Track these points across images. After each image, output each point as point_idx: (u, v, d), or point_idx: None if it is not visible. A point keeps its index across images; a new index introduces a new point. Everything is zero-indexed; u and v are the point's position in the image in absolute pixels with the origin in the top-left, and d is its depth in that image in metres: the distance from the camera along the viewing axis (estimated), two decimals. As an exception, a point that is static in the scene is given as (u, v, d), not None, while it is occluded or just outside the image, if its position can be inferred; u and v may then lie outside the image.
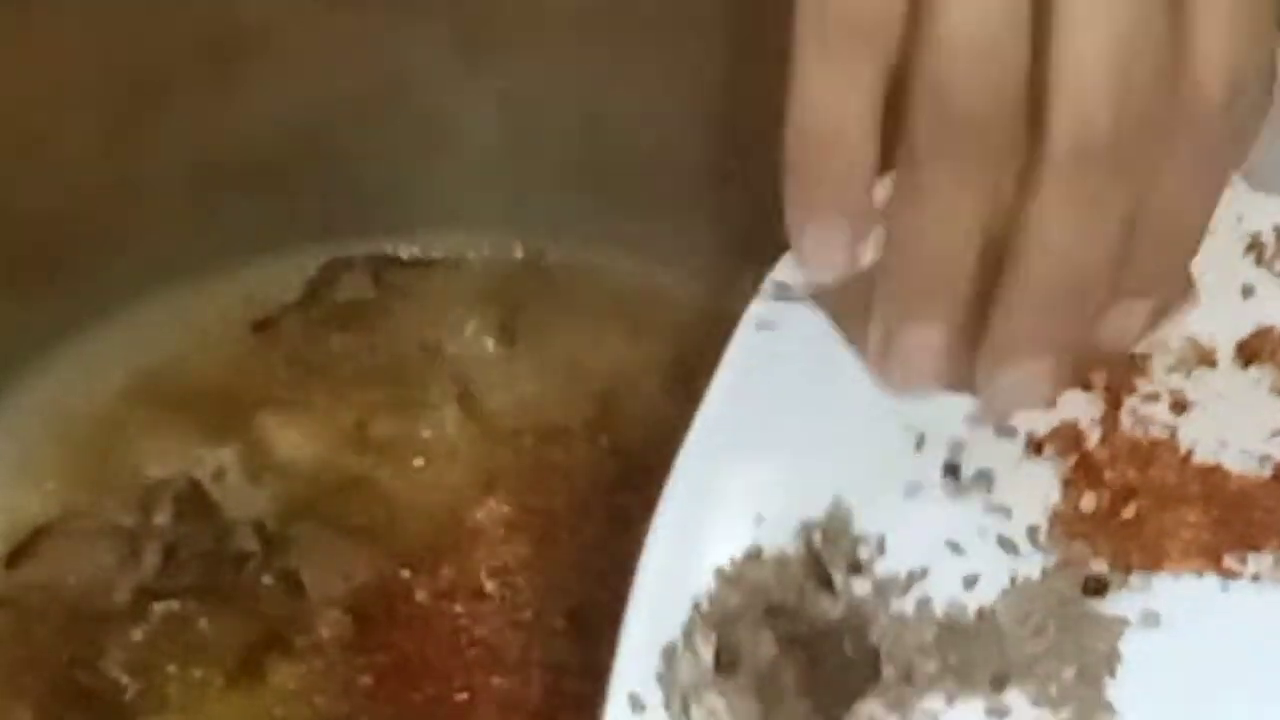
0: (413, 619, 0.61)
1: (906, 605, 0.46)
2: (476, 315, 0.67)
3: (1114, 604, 0.46)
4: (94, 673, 0.60)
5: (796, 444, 0.48)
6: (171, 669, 0.60)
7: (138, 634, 0.61)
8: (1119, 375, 0.50)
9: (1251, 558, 0.47)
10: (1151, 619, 0.46)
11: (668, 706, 0.45)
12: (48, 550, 0.62)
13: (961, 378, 0.47)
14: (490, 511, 0.64)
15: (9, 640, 0.60)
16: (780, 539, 0.46)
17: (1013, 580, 0.46)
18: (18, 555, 0.62)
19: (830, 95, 0.44)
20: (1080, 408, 0.49)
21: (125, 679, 0.60)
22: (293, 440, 0.64)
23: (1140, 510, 0.48)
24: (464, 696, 0.60)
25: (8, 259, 0.61)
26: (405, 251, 0.68)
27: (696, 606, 0.46)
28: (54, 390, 0.65)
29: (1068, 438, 0.49)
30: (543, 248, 0.68)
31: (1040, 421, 0.49)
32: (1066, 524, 0.47)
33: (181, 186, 0.63)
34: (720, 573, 0.46)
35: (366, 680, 0.60)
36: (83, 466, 0.64)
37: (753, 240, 0.64)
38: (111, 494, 0.63)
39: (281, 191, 0.65)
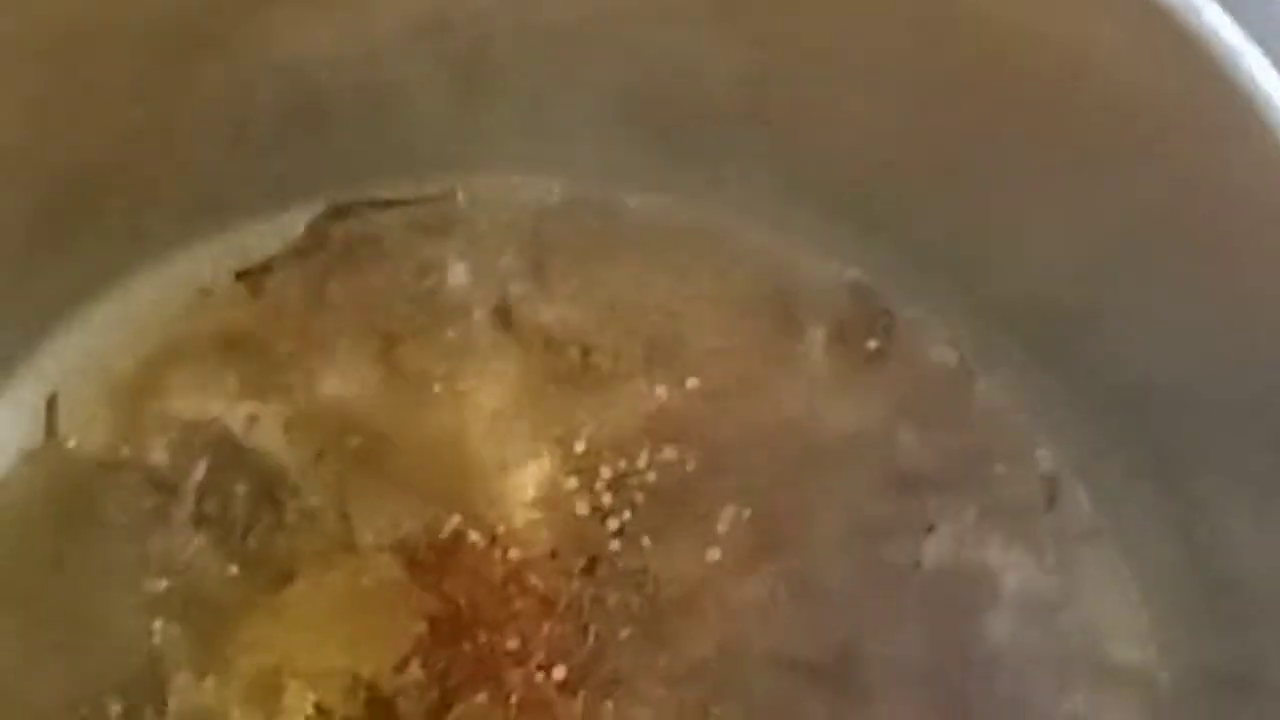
0: (463, 566, 0.62)
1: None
2: (514, 253, 0.65)
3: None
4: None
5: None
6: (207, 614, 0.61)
7: (171, 579, 0.61)
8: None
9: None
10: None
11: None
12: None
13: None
14: (539, 453, 0.63)
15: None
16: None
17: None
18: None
19: None
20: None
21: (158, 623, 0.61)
22: (332, 385, 0.64)
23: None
24: (515, 644, 0.61)
25: (47, 208, 0.60)
26: (444, 192, 0.66)
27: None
28: (93, 339, 0.64)
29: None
30: (584, 188, 0.66)
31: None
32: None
33: (219, 131, 0.62)
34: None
35: (420, 627, 0.61)
36: (121, 415, 0.63)
37: (799, 176, 0.64)
38: (149, 442, 0.63)
39: (319, 133, 0.63)
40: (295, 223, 0.65)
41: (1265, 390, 0.55)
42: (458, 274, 0.65)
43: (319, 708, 0.60)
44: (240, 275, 0.65)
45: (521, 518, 0.62)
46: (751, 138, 0.62)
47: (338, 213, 0.65)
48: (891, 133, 0.59)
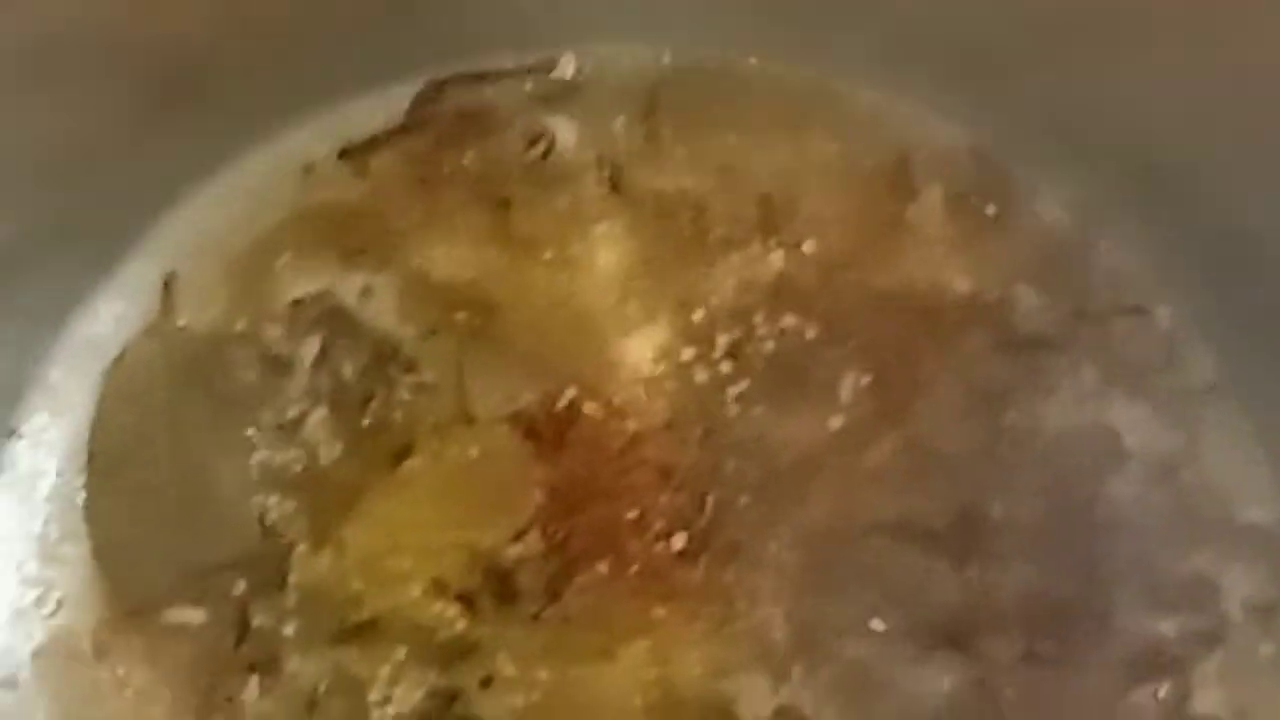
0: (580, 438, 0.62)
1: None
2: (626, 120, 0.64)
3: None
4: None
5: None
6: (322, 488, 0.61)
7: (287, 453, 0.61)
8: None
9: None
10: None
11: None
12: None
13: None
14: (655, 321, 0.63)
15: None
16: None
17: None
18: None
19: None
20: None
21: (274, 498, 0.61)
22: (444, 257, 0.63)
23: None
24: (634, 514, 0.61)
25: (151, 88, 0.60)
26: (549, 62, 0.66)
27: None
28: (207, 218, 0.63)
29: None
30: (696, 54, 0.65)
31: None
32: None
33: (316, 7, 0.61)
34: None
35: (538, 498, 0.61)
36: (236, 291, 0.63)
37: (912, 37, 0.63)
38: (264, 317, 0.63)
39: (418, 7, 0.62)
40: (400, 98, 0.64)
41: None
42: (568, 142, 0.64)
43: (437, 581, 0.60)
44: (345, 153, 0.64)
45: (638, 387, 0.62)
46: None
47: (441, 87, 0.65)
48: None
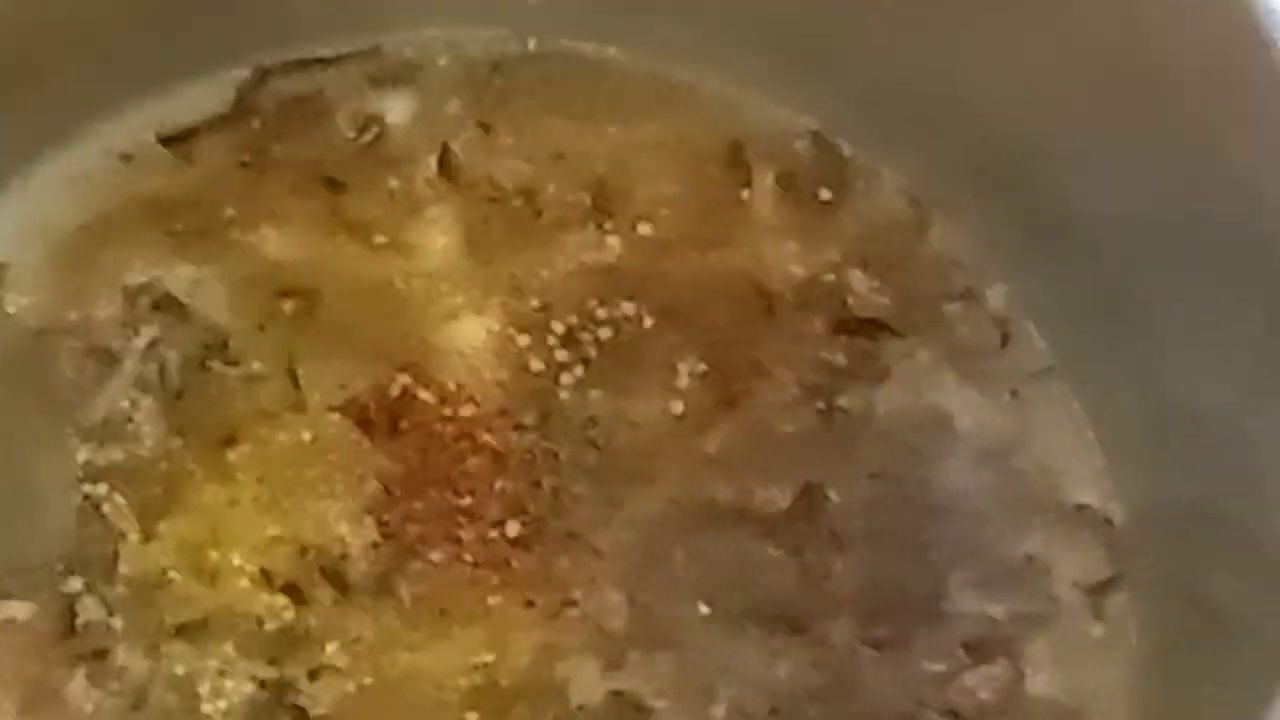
0: (413, 425, 0.61)
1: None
2: (459, 106, 0.64)
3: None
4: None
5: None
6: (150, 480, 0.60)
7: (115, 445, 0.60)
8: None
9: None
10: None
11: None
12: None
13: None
14: (489, 308, 0.62)
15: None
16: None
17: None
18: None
19: None
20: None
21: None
22: (274, 245, 0.63)
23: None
24: (468, 501, 0.60)
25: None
26: (381, 47, 0.65)
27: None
28: (33, 206, 0.62)
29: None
30: (526, 40, 0.65)
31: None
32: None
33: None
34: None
35: (371, 486, 0.60)
36: (64, 281, 0.62)
37: (745, 23, 0.63)
38: (92, 307, 0.62)
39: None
40: (227, 85, 0.64)
41: (1213, 226, 0.55)
42: (399, 126, 0.64)
43: (265, 571, 0.59)
44: (168, 140, 0.63)
45: (472, 374, 0.61)
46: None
47: (268, 73, 0.64)
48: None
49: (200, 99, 0.64)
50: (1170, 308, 0.58)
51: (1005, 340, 0.63)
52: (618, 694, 0.58)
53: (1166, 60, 0.54)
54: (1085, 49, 0.56)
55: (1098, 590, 0.61)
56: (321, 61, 0.64)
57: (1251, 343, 0.55)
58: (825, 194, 0.64)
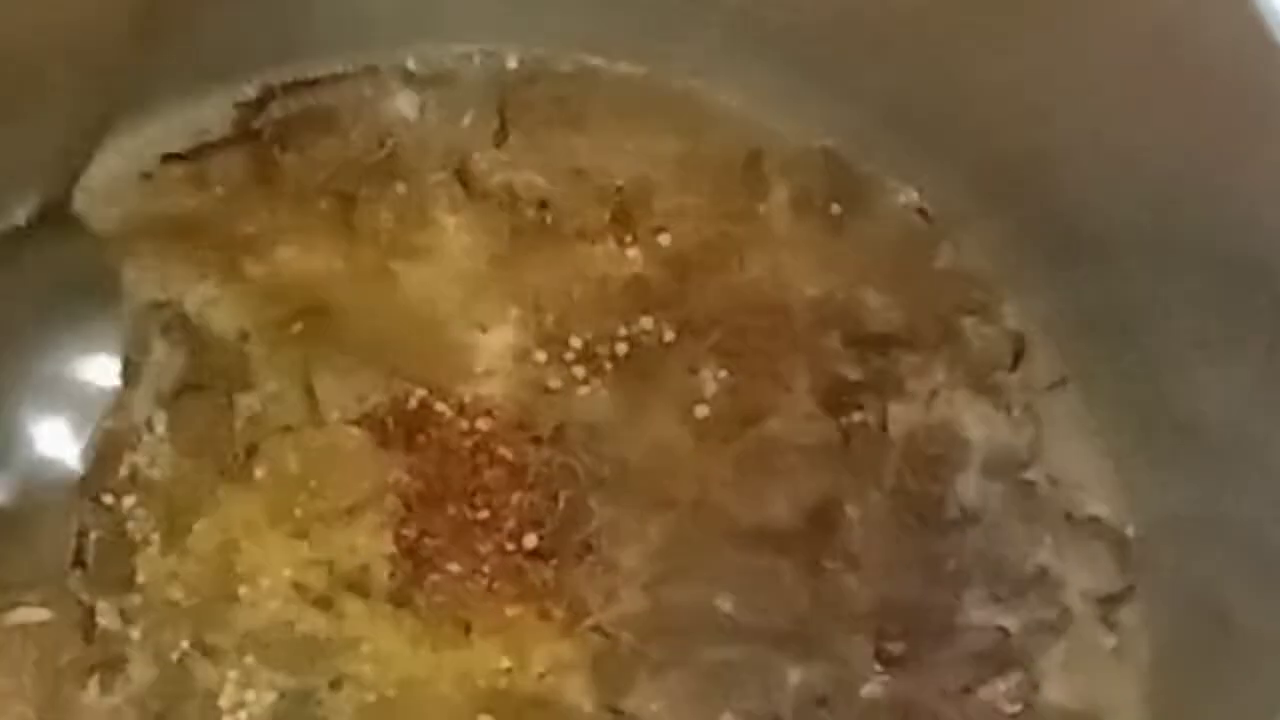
0: (431, 438, 0.61)
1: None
2: (475, 120, 0.65)
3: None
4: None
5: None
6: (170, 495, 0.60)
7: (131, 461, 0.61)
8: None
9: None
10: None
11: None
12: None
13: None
14: (507, 319, 0.63)
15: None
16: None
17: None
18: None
19: None
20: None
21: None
22: (289, 261, 0.63)
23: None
24: (485, 514, 0.61)
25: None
26: (402, 62, 0.65)
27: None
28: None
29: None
30: (541, 54, 0.65)
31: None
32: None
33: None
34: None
35: (389, 500, 0.61)
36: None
37: (756, 38, 0.63)
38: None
39: (250, 14, 0.62)
40: (234, 104, 0.64)
41: (1223, 239, 0.56)
42: (414, 141, 0.64)
43: (285, 583, 0.59)
44: (176, 158, 0.64)
45: (489, 387, 0.62)
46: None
47: (278, 90, 0.65)
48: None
49: (210, 117, 0.64)
50: (1181, 321, 0.58)
51: (1018, 354, 0.63)
52: (628, 709, 0.59)
53: (1182, 77, 0.55)
54: (1098, 63, 0.56)
55: (1110, 602, 0.61)
56: (335, 77, 0.65)
57: (1262, 354, 0.55)
58: (836, 209, 0.65)
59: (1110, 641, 0.61)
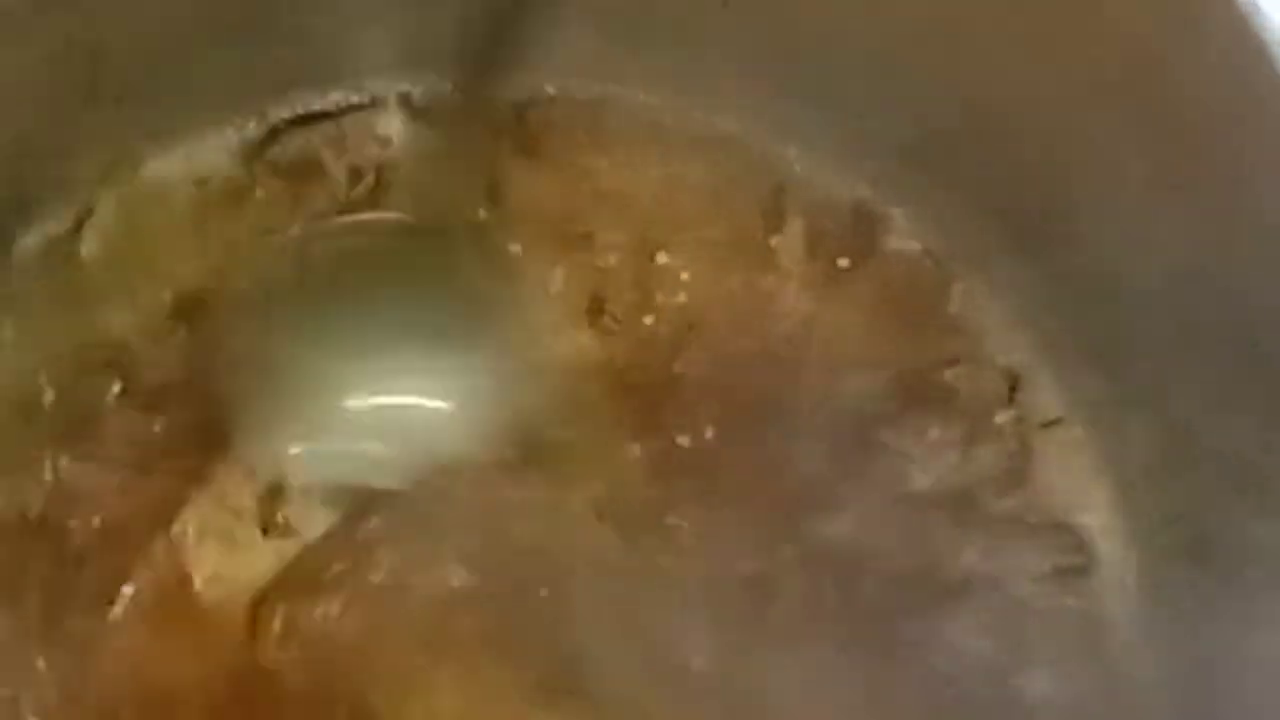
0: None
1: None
2: (495, 146, 0.64)
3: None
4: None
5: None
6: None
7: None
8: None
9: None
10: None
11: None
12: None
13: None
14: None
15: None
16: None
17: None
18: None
19: None
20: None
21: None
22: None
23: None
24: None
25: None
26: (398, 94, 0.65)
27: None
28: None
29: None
30: (562, 84, 0.65)
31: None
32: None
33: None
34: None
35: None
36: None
37: (789, 73, 0.64)
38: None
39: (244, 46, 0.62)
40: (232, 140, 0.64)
41: (1225, 291, 0.57)
42: (426, 165, 0.64)
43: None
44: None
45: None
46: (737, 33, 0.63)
47: (280, 128, 0.64)
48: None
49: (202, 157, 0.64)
50: (1183, 354, 0.60)
51: (1013, 391, 0.65)
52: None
53: (1192, 114, 0.56)
54: (1105, 101, 0.58)
55: (1106, 630, 0.62)
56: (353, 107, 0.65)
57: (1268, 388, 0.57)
58: (846, 259, 0.65)
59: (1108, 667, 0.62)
